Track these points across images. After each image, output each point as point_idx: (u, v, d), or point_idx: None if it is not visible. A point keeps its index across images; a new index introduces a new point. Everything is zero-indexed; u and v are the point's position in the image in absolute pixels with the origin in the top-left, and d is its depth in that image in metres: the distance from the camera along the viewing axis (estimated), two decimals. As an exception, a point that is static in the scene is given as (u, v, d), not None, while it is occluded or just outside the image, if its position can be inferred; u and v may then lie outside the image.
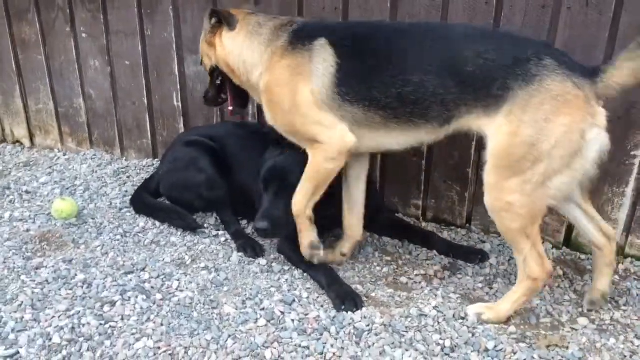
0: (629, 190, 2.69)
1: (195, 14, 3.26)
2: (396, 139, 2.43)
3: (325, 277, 2.53)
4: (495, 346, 2.17)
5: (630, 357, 2.19)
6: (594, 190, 2.71)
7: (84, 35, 3.60)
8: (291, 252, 2.70)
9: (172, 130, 3.61)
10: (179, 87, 3.48)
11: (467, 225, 3.08)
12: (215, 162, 3.03)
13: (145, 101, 3.62)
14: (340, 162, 2.43)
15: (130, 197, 3.28)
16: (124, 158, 3.87)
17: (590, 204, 2.43)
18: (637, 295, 2.58)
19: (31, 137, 4.12)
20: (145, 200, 3.19)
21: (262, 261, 2.72)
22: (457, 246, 2.88)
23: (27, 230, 2.96)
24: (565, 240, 2.91)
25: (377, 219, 2.96)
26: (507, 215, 2.19)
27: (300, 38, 2.44)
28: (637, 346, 2.24)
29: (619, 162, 2.65)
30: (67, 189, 3.47)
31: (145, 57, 3.50)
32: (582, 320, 2.39)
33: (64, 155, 3.97)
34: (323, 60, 2.36)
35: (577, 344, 2.22)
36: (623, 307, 2.51)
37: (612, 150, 2.60)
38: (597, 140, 2.11)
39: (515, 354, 2.14)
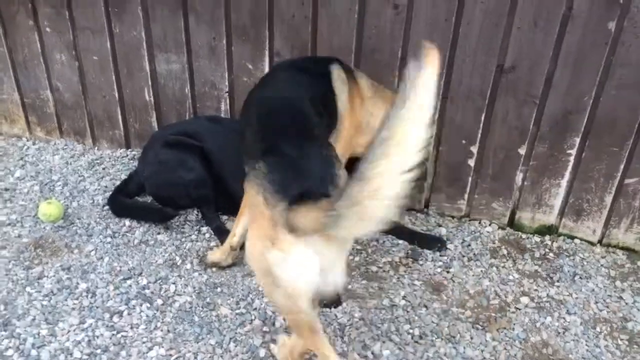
0: (564, 181, 3.10)
1: (165, 13, 3.30)
2: None
3: None
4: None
5: (564, 333, 2.57)
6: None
7: (48, 29, 3.57)
8: None
9: (145, 122, 3.71)
10: (150, 82, 3.55)
11: (425, 209, 3.44)
12: (201, 161, 3.16)
13: (116, 95, 3.67)
14: None
15: (110, 192, 3.37)
16: (96, 148, 3.93)
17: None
18: (568, 271, 2.95)
19: (-4, 125, 4.11)
20: (122, 203, 3.30)
21: (247, 258, 2.97)
22: (419, 234, 3.18)
23: (19, 236, 3.06)
24: (509, 222, 3.32)
25: None
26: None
27: None
28: (569, 322, 2.62)
29: (557, 159, 3.04)
30: (45, 184, 3.53)
31: (114, 54, 3.53)
32: (524, 299, 2.75)
33: (34, 144, 3.98)
34: None
35: (520, 325, 2.61)
36: (557, 284, 2.86)
37: (551, 149, 3.03)
38: (286, 267, 1.89)
39: (472, 339, 2.53)
